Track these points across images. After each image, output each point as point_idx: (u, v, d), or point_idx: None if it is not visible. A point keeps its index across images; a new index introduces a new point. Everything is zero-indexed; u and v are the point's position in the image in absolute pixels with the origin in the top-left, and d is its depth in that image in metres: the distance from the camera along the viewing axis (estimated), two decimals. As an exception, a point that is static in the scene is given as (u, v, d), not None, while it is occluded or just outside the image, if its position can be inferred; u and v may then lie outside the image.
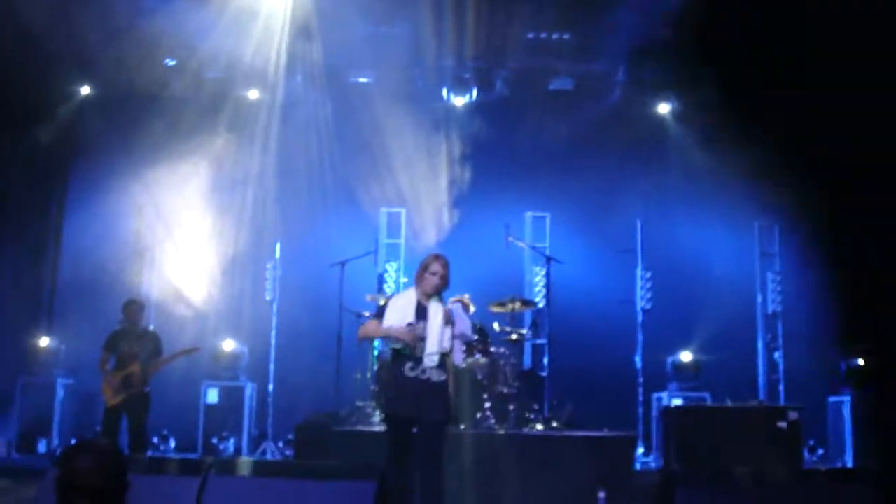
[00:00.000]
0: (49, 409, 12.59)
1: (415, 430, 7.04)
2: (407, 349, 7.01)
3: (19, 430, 12.51)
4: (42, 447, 12.40)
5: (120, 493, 3.50)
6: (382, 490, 5.69)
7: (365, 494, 5.66)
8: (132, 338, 10.42)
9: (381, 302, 11.89)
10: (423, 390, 6.96)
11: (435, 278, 7.12)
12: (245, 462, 6.57)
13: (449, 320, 7.14)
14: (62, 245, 14.11)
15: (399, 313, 7.13)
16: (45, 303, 13.99)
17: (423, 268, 7.22)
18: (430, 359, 6.99)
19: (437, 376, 7.01)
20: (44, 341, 13.03)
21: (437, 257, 7.27)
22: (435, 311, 7.13)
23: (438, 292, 7.21)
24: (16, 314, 13.62)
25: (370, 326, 7.35)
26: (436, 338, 7.02)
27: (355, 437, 10.04)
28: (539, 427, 10.82)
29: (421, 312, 7.11)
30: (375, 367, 11.35)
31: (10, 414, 12.62)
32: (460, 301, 8.92)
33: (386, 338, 7.29)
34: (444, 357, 7.08)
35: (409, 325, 7.03)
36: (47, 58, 12.52)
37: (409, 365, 6.99)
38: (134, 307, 10.67)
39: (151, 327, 11.88)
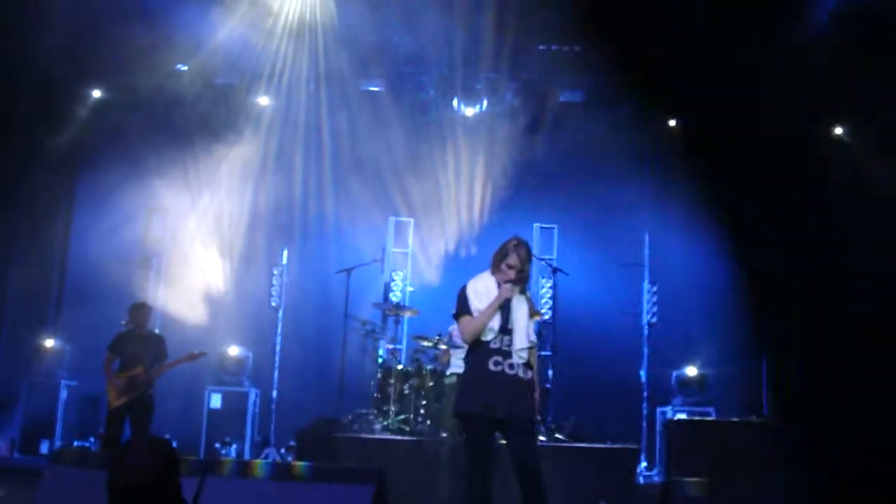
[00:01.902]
0: (52, 410, 12.62)
1: (498, 434, 6.45)
2: (495, 341, 6.35)
3: (22, 431, 12.54)
4: (44, 448, 12.39)
5: (172, 486, 3.48)
6: (381, 494, 5.65)
7: (363, 498, 5.62)
8: (138, 340, 10.37)
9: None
10: (515, 387, 6.32)
11: (511, 272, 6.40)
12: (242, 463, 6.54)
13: (533, 313, 6.54)
14: (70, 247, 14.13)
15: (486, 298, 6.39)
16: (52, 304, 14.00)
17: (502, 255, 6.47)
18: (520, 354, 6.35)
19: (523, 373, 6.37)
20: (49, 342, 13.07)
21: (517, 246, 6.46)
22: (518, 303, 6.48)
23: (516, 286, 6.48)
24: (22, 315, 13.68)
25: (467, 322, 6.41)
26: (523, 332, 6.39)
27: (358, 443, 10.01)
28: (541, 438, 10.77)
29: (505, 303, 6.41)
30: (378, 375, 11.28)
31: (13, 414, 12.66)
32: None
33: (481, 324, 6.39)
34: (530, 353, 6.46)
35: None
36: (58, 61, 12.53)
37: (493, 360, 6.32)
38: (142, 310, 10.62)
39: (157, 330, 11.88)
